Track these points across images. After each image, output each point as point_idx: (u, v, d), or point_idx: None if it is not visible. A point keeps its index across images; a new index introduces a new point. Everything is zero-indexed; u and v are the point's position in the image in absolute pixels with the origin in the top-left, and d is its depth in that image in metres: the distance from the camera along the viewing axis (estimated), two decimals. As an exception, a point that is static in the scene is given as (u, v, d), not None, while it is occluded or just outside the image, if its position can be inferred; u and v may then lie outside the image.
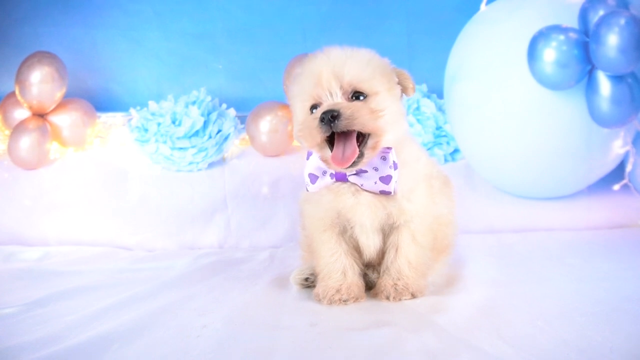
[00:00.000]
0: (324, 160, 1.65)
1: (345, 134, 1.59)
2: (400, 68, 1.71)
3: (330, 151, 1.62)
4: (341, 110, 1.54)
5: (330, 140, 1.61)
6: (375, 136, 1.61)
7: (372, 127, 1.59)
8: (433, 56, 2.91)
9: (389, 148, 1.67)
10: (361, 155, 1.60)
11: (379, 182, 1.66)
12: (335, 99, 1.59)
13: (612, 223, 2.68)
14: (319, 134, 1.58)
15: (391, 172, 1.66)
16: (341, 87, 1.60)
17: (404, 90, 1.72)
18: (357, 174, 1.67)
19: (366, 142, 1.61)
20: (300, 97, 1.66)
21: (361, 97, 1.61)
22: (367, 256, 1.80)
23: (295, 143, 2.90)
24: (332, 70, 1.60)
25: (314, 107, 1.64)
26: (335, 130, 1.55)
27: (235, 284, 2.01)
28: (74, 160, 2.94)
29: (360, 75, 1.61)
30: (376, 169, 1.65)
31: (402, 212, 1.71)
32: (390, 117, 1.62)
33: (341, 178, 1.70)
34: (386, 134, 1.63)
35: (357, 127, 1.57)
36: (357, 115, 1.56)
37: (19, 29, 3.09)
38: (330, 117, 1.54)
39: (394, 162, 1.67)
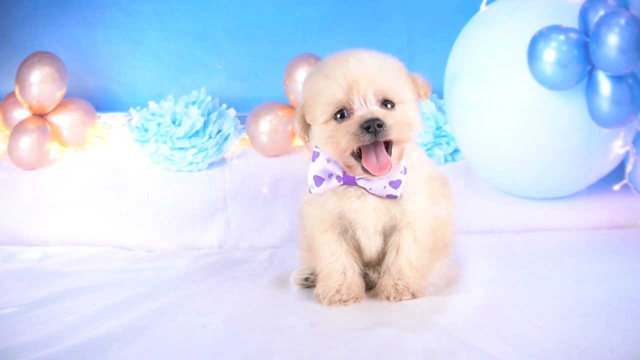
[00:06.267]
0: (349, 166, 1.62)
1: (375, 143, 1.57)
2: (414, 73, 1.71)
3: (354, 159, 1.61)
4: (385, 120, 1.53)
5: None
6: (400, 145, 1.62)
7: (408, 138, 1.60)
8: (433, 56, 2.90)
9: None
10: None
11: (388, 186, 1.66)
12: (369, 107, 1.57)
13: (612, 223, 2.67)
14: (356, 142, 1.54)
15: (401, 176, 1.67)
16: (374, 95, 1.58)
17: (418, 95, 1.71)
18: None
19: (390, 151, 1.61)
20: (323, 99, 1.59)
21: (389, 105, 1.61)
22: (368, 256, 1.81)
23: (296, 142, 2.90)
24: (368, 77, 1.57)
25: (340, 112, 1.59)
26: (379, 139, 1.54)
27: (235, 284, 2.02)
28: (74, 160, 2.93)
29: (393, 84, 1.61)
30: None
31: (405, 214, 1.72)
32: (416, 127, 1.64)
33: (349, 181, 1.69)
34: (410, 143, 1.66)
35: (396, 137, 1.56)
36: (399, 126, 1.56)
37: (19, 29, 3.08)
38: (377, 126, 1.52)
39: (404, 167, 1.68)
